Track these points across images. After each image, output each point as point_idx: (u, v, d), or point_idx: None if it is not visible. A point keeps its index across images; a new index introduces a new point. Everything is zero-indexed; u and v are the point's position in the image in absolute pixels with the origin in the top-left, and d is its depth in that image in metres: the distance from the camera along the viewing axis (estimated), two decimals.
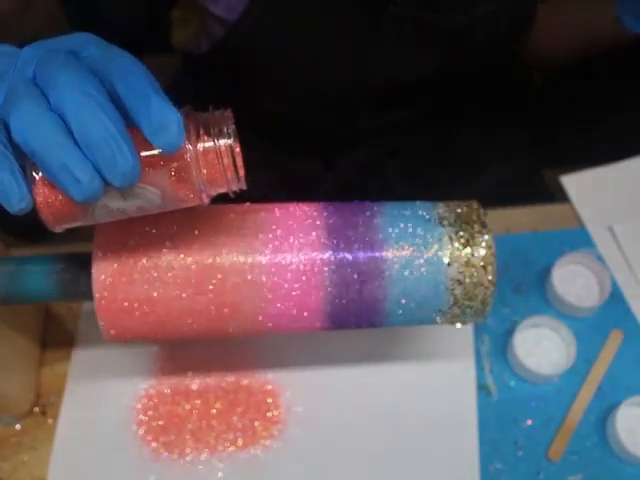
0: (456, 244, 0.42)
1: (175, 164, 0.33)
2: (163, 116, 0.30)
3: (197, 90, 0.78)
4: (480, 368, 0.56)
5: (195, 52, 0.73)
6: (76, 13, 0.76)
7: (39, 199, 0.33)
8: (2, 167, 0.31)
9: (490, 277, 0.42)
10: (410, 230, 0.42)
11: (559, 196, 0.68)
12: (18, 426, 0.54)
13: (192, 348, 0.56)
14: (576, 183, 0.67)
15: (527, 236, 0.63)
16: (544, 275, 0.60)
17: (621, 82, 0.80)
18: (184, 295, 0.41)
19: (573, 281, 0.60)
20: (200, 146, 0.34)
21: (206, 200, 0.35)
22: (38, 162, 0.31)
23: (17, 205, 0.31)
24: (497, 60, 0.72)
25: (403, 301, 0.42)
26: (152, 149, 0.33)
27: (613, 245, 0.63)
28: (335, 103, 0.71)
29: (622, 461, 0.53)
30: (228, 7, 0.63)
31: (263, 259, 0.41)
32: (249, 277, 0.41)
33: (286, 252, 0.41)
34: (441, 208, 0.44)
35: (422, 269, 0.42)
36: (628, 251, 0.62)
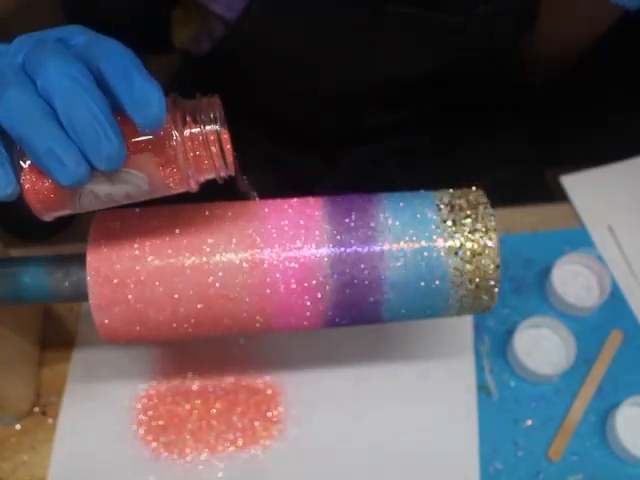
0: (459, 233, 0.41)
1: (161, 150, 0.33)
2: (144, 92, 0.31)
3: (197, 90, 0.78)
4: (480, 368, 0.56)
5: (195, 52, 0.73)
6: (76, 13, 0.76)
7: (26, 186, 0.33)
8: None
9: (494, 265, 0.41)
10: (411, 220, 0.42)
11: (559, 196, 0.68)
12: (18, 426, 0.54)
13: (192, 348, 0.56)
14: (576, 183, 0.67)
15: (527, 236, 0.63)
16: (544, 275, 0.60)
17: (621, 82, 0.80)
18: (179, 295, 0.40)
19: (573, 281, 0.60)
20: (187, 132, 0.34)
21: (194, 186, 0.35)
22: (24, 147, 0.31)
23: (3, 191, 0.31)
24: (497, 60, 0.73)
25: (405, 294, 0.42)
26: (139, 134, 0.33)
27: (613, 245, 0.63)
28: (335, 102, 0.71)
29: (622, 461, 0.53)
30: (228, 6, 0.63)
31: (260, 255, 0.41)
32: (246, 274, 0.40)
33: (284, 247, 0.41)
34: (443, 197, 0.43)
35: (424, 260, 0.41)
36: (628, 251, 0.62)
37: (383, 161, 0.78)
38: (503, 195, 0.65)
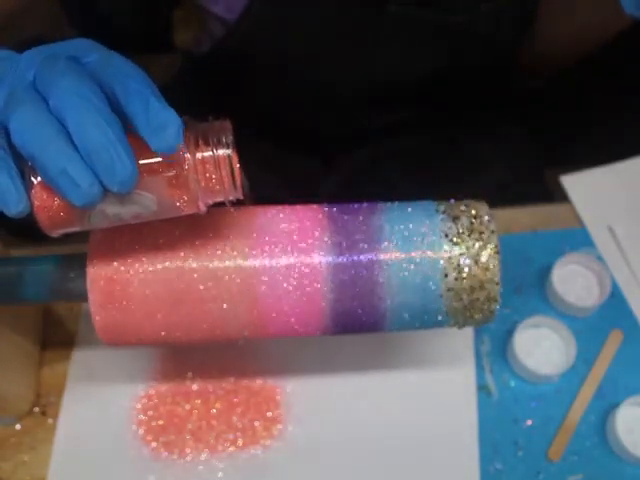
0: (460, 244, 0.41)
1: (173, 172, 0.33)
2: (161, 118, 0.31)
3: (197, 89, 0.78)
4: (480, 368, 0.56)
5: (196, 52, 0.73)
6: (76, 12, 0.76)
7: (37, 203, 0.33)
8: (0, 170, 0.31)
9: (495, 278, 0.41)
10: (413, 231, 0.41)
11: (559, 196, 0.67)
12: (18, 426, 0.54)
13: (192, 349, 0.56)
14: (576, 183, 0.67)
15: (527, 236, 0.63)
16: (544, 275, 0.60)
17: (621, 82, 0.80)
18: (179, 299, 0.40)
19: (573, 281, 0.60)
20: (198, 155, 0.34)
21: (203, 208, 0.36)
22: (37, 166, 0.31)
23: (15, 208, 0.31)
24: (497, 60, 0.73)
25: (405, 304, 0.42)
26: (150, 156, 0.33)
27: (613, 245, 0.63)
28: (335, 103, 0.71)
29: (622, 461, 0.53)
30: (228, 7, 0.63)
31: (260, 263, 0.40)
32: (246, 281, 0.40)
33: (284, 255, 0.41)
34: (445, 207, 0.43)
35: (425, 270, 0.41)
36: (628, 251, 0.62)
37: (383, 161, 0.78)
38: (503, 195, 0.65)
